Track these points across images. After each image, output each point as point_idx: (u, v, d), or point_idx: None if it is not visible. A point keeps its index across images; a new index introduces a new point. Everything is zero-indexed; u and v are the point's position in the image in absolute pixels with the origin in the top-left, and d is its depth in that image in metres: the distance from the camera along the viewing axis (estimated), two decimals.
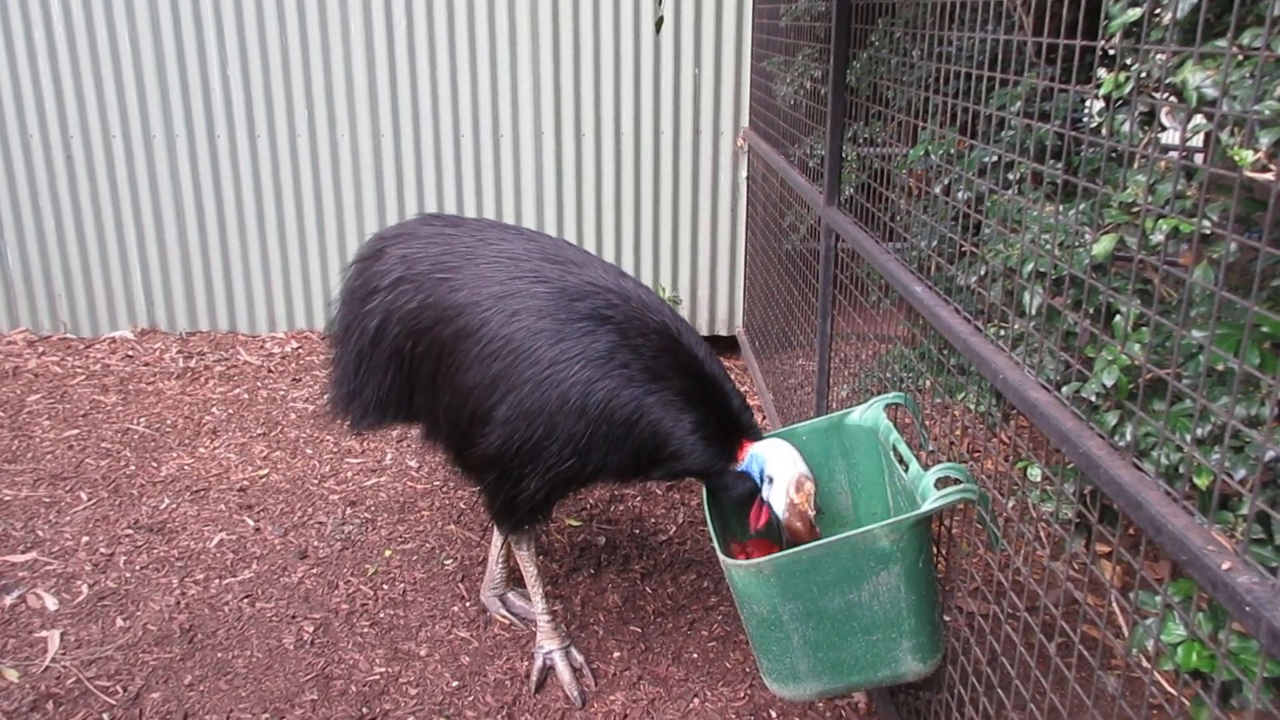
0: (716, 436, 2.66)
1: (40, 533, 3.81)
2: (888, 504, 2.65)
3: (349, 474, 4.36)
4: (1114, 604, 2.17)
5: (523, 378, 2.63)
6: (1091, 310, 1.74)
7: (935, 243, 2.42)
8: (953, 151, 2.38)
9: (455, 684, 3.04)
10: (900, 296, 2.49)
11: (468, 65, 5.56)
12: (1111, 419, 1.62)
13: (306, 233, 5.86)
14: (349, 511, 4.04)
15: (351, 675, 3.06)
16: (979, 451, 2.89)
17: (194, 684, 3.00)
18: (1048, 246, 1.83)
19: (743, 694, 3.03)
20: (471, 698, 2.99)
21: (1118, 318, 1.64)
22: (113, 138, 5.63)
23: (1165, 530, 1.29)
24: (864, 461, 2.74)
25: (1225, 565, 1.18)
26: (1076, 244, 1.78)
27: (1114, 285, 1.66)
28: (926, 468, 2.23)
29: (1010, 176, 2.05)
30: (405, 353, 2.93)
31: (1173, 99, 1.53)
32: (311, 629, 3.27)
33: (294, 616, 3.34)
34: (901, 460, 2.43)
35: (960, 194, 2.27)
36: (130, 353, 5.74)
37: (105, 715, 2.86)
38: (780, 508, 2.56)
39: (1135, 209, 1.63)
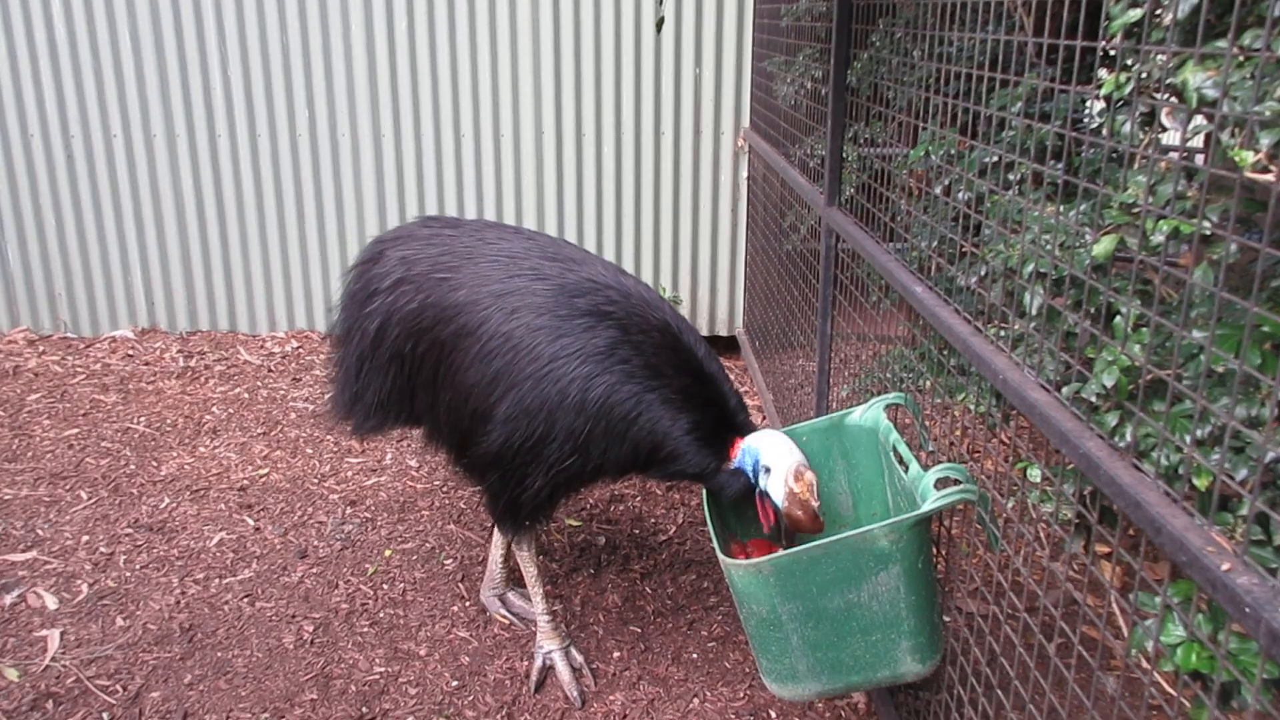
0: (711, 437, 2.66)
1: (40, 532, 3.81)
2: (888, 504, 2.65)
3: (349, 473, 4.36)
4: (1113, 605, 2.17)
5: (523, 374, 2.63)
6: (1092, 311, 1.74)
7: (935, 243, 2.42)
8: (953, 152, 2.38)
9: (455, 684, 3.04)
10: (900, 297, 2.49)
11: (468, 66, 5.56)
12: (1111, 420, 1.62)
13: (307, 232, 5.87)
14: (349, 511, 4.04)
15: (351, 675, 3.06)
16: (979, 452, 2.89)
17: (194, 683, 3.00)
18: (1048, 247, 1.83)
19: (742, 694, 3.03)
20: (471, 697, 2.99)
21: (1118, 318, 1.64)
22: (113, 137, 5.64)
23: (1165, 531, 1.29)
24: (864, 462, 2.74)
25: (1225, 566, 1.18)
26: (1077, 244, 1.78)
27: (1114, 286, 1.66)
28: (926, 468, 2.23)
29: (1011, 177, 2.05)
30: (406, 354, 2.93)
31: (1173, 100, 1.53)
32: (311, 628, 3.27)
33: (294, 616, 3.34)
34: (901, 461, 2.42)
35: (961, 194, 2.27)
36: (130, 352, 5.74)
37: (105, 714, 2.86)
38: (779, 497, 2.52)
39: (1136, 210, 1.63)
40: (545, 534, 3.84)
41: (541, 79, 5.58)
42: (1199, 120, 1.48)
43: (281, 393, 5.24)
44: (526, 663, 3.13)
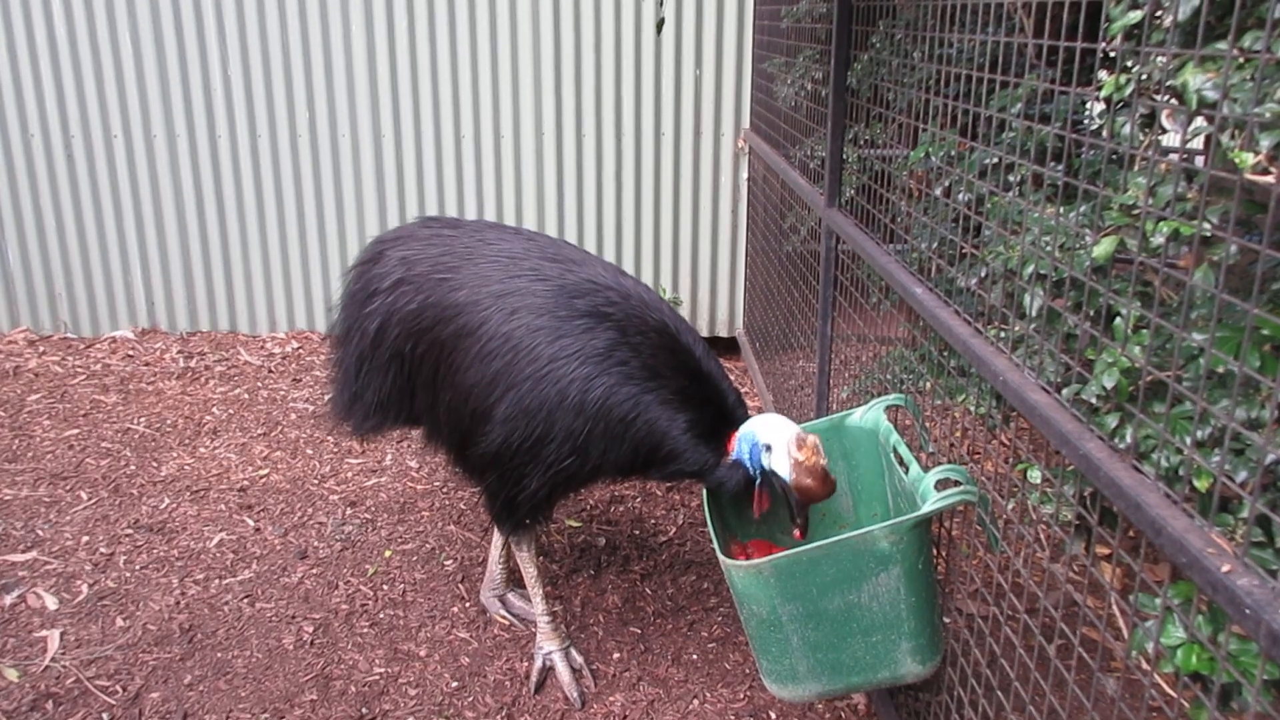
0: (710, 434, 2.65)
1: (40, 532, 3.81)
2: (888, 505, 2.65)
3: (349, 474, 4.36)
4: (1114, 606, 2.18)
5: (522, 375, 2.63)
6: (1092, 312, 1.74)
7: (936, 244, 2.42)
8: (953, 153, 2.38)
9: (455, 684, 3.04)
10: (900, 298, 2.49)
11: (469, 66, 5.57)
12: (1112, 421, 1.62)
13: (307, 233, 5.87)
14: (349, 512, 4.04)
15: (351, 675, 3.06)
16: (979, 453, 2.89)
17: (194, 684, 3.00)
18: (1048, 248, 1.83)
19: (742, 695, 3.02)
20: (471, 698, 2.99)
21: (1118, 320, 1.64)
22: (113, 137, 5.64)
23: (1165, 533, 1.29)
24: (864, 463, 2.74)
25: (1225, 568, 1.18)
26: (1077, 246, 1.78)
27: (1114, 287, 1.66)
28: (927, 469, 2.23)
29: (1011, 178, 2.05)
30: (406, 354, 2.93)
31: (1173, 101, 1.53)
32: (311, 629, 3.27)
33: (294, 617, 3.34)
34: (902, 462, 2.42)
35: (961, 196, 2.27)
36: (131, 352, 5.74)
37: (105, 715, 2.86)
38: (786, 470, 2.47)
39: (1136, 211, 1.63)
40: (545, 535, 3.84)
41: (542, 80, 5.58)
42: (1199, 122, 1.48)
43: (282, 393, 5.24)
44: (526, 664, 3.13)
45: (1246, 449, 1.41)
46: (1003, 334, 1.98)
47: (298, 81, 5.58)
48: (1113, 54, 1.82)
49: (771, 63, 4.62)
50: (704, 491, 2.73)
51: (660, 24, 4.33)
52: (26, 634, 3.20)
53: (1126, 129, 1.66)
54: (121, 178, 5.71)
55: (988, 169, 2.14)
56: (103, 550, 3.69)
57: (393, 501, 4.13)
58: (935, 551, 2.41)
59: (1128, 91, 1.67)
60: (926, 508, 2.09)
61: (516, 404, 2.63)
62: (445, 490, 4.23)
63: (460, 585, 3.55)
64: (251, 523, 3.93)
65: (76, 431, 4.70)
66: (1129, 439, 1.56)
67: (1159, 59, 1.57)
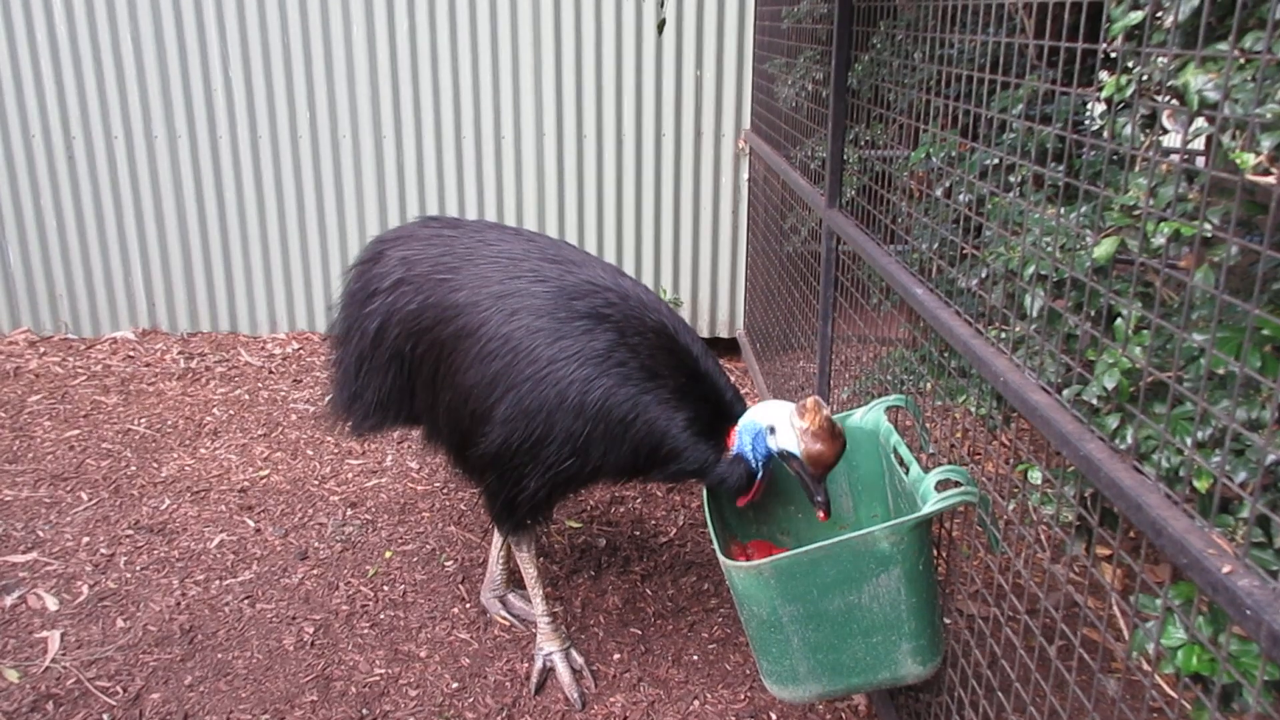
0: (709, 431, 2.65)
1: (41, 533, 3.81)
2: (888, 506, 2.65)
3: (349, 475, 4.36)
4: (1114, 607, 2.18)
5: (522, 376, 2.63)
6: (1092, 313, 1.74)
7: (936, 245, 2.42)
8: (954, 154, 2.38)
9: (455, 685, 3.04)
10: (901, 299, 2.49)
11: (469, 66, 5.57)
12: (1112, 422, 1.62)
13: (308, 233, 5.87)
14: (349, 513, 4.04)
15: (351, 676, 3.06)
16: (980, 454, 2.88)
17: (194, 685, 3.00)
18: (1049, 249, 1.83)
19: (743, 696, 3.02)
20: (471, 699, 2.99)
21: (1119, 321, 1.64)
22: (114, 138, 5.64)
23: (1166, 533, 1.29)
24: (865, 464, 2.74)
25: (1226, 568, 1.18)
26: (1078, 247, 1.78)
27: (1115, 288, 1.66)
28: (927, 470, 2.23)
29: (1011, 179, 2.05)
30: (406, 354, 2.93)
31: (1174, 102, 1.53)
32: (312, 630, 3.27)
33: (294, 617, 3.34)
34: (902, 462, 2.42)
35: (961, 196, 2.27)
36: (131, 353, 5.74)
37: (105, 716, 2.86)
38: (794, 444, 2.44)
39: (1136, 212, 1.63)
40: (545, 536, 3.84)
41: (542, 81, 5.59)
42: (1200, 123, 1.48)
43: (282, 394, 5.24)
44: (527, 664, 3.13)
45: (1247, 450, 1.41)
46: (1003, 335, 1.98)
47: (298, 81, 5.58)
48: (1114, 55, 1.82)
49: (772, 63, 4.62)
50: (704, 492, 2.73)
51: (661, 25, 4.34)
52: (27, 635, 3.20)
53: (1127, 130, 1.66)
54: (122, 178, 5.71)
55: (988, 170, 2.14)
56: (103, 551, 3.70)
57: (393, 502, 4.13)
58: (936, 552, 2.41)
59: (1129, 92, 1.67)
60: (927, 508, 2.09)
61: (516, 405, 2.64)
62: (446, 491, 4.23)
63: (461, 586, 3.55)
64: (252, 524, 3.93)
65: (77, 432, 4.70)
66: (1130, 440, 1.56)
67: (1160, 60, 1.57)
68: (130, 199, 5.75)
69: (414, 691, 3.01)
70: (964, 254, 2.23)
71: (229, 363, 5.64)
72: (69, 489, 4.16)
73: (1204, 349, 1.34)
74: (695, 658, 3.20)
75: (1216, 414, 1.33)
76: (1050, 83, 1.82)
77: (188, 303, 5.98)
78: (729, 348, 6.06)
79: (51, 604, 3.37)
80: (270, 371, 5.55)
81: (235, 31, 5.48)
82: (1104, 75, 1.89)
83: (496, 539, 3.34)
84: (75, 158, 5.66)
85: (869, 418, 2.68)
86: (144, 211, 5.78)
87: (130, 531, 3.83)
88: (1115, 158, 1.70)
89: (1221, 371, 1.46)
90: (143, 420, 4.86)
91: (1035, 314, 1.85)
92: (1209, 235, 1.43)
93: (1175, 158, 1.67)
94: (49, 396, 5.12)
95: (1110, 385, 1.63)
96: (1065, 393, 1.70)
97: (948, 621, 2.44)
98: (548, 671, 3.08)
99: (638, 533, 3.94)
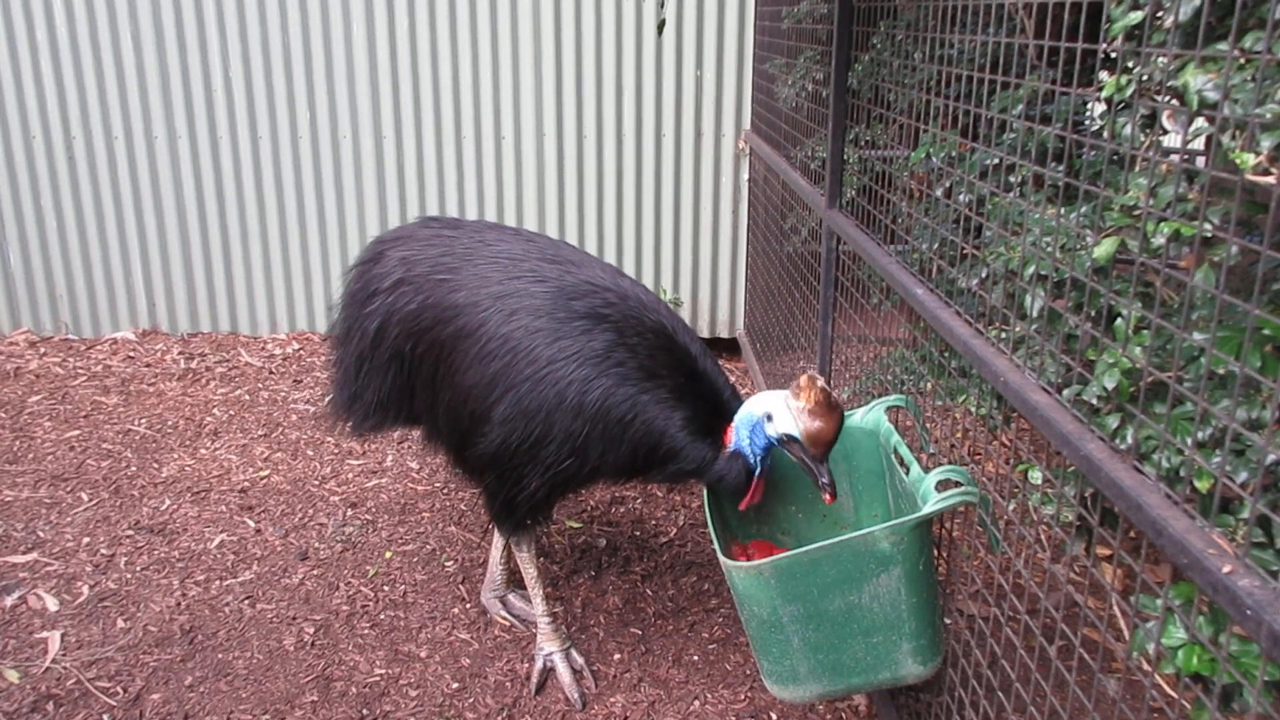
0: (706, 430, 2.65)
1: (41, 533, 3.81)
2: (889, 506, 2.65)
3: (350, 475, 4.36)
4: (1115, 607, 2.18)
5: (521, 376, 2.64)
6: (1093, 313, 1.74)
7: (936, 245, 2.42)
8: (954, 154, 2.38)
9: (455, 686, 3.04)
10: (901, 299, 2.49)
11: (469, 67, 5.57)
12: (1112, 422, 1.62)
13: (308, 234, 5.87)
14: (350, 513, 4.04)
15: (352, 677, 3.06)
16: (980, 454, 2.89)
17: (194, 685, 3.00)
18: (1049, 249, 1.83)
19: (743, 696, 3.02)
20: (472, 699, 2.99)
21: (1119, 321, 1.64)
22: (114, 138, 5.64)
23: (1166, 533, 1.29)
24: (865, 464, 2.74)
25: (1226, 568, 1.18)
26: (1078, 247, 1.78)
27: (1115, 288, 1.66)
28: (927, 470, 2.23)
29: (1012, 179, 2.05)
30: (405, 354, 2.93)
31: (1174, 102, 1.53)
32: (312, 630, 3.27)
33: (294, 618, 3.34)
34: (902, 462, 2.42)
35: (961, 197, 2.27)
36: (131, 354, 5.74)
37: (105, 716, 2.86)
38: (793, 426, 2.42)
39: (1137, 212, 1.63)
40: (545, 536, 3.84)
41: (542, 81, 5.59)
42: (1200, 123, 1.48)
43: (282, 395, 5.24)
44: (527, 665, 3.13)
45: (1247, 450, 1.41)
46: (1004, 335, 1.98)
47: (298, 81, 5.58)
48: (1114, 55, 1.82)
49: (772, 63, 4.62)
50: (704, 492, 2.73)
51: (661, 25, 4.34)
52: (27, 635, 3.20)
53: (1127, 130, 1.66)
54: (122, 178, 5.71)
55: (989, 170, 2.14)
56: (103, 551, 3.70)
57: (393, 503, 4.13)
58: (936, 552, 2.41)
59: (1129, 92, 1.67)
60: (927, 509, 2.09)
61: (515, 405, 2.64)
62: (446, 491, 4.23)
63: (461, 586, 3.55)
64: (252, 524, 3.93)
65: (77, 433, 4.70)
66: (1130, 440, 1.56)
67: (1160, 60, 1.57)
68: (130, 199, 5.75)
69: (414, 692, 3.01)
70: (964, 254, 2.23)
71: (229, 363, 5.65)
72: (69, 489, 4.16)
73: (1204, 349, 1.34)
74: (695, 658, 3.20)
75: (1217, 414, 1.33)
76: (1050, 83, 1.82)
77: (188, 303, 5.98)
78: (729, 348, 6.06)
79: (52, 604, 3.37)
80: (270, 372, 5.55)
81: (235, 31, 5.48)
82: (1104, 75, 1.89)
83: (497, 539, 3.35)
84: (75, 158, 5.66)
85: (869, 418, 2.68)
86: (144, 211, 5.78)
87: (130, 532, 3.83)
88: (1115, 158, 1.70)
89: (1222, 371, 1.46)
90: (143, 421, 4.86)
91: (1035, 314, 1.85)
92: (1209, 235, 1.43)
93: (1175, 158, 1.67)
94: (49, 397, 5.12)
95: (1110, 385, 1.63)
96: (1065, 393, 1.70)
97: (948, 621, 2.44)
98: (548, 672, 3.08)
99: (638, 533, 3.94)
